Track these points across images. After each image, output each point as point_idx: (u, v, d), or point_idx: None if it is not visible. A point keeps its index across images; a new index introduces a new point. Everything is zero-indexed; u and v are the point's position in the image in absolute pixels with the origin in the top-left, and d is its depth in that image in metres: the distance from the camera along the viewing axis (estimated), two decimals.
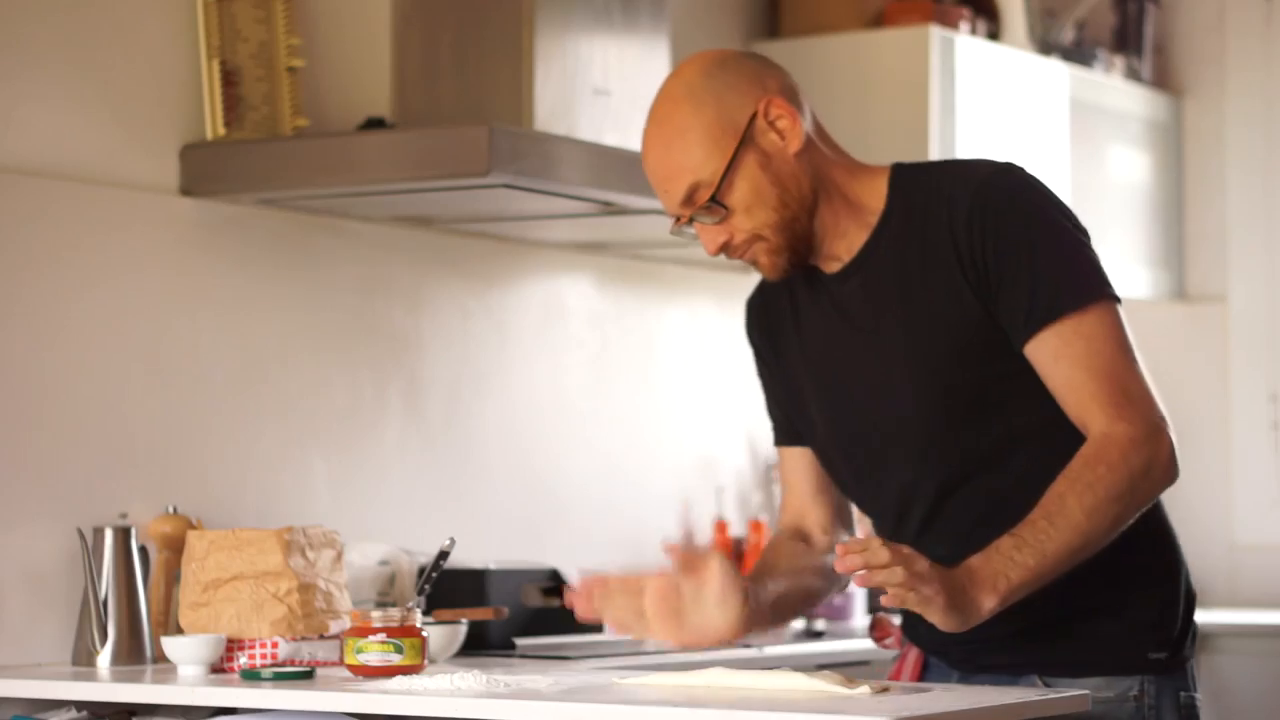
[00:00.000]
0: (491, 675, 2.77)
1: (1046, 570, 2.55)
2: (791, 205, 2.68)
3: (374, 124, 3.83)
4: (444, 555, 3.23)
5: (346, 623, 3.13)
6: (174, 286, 3.64)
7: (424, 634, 2.96)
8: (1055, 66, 5.21)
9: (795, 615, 2.88)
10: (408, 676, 2.87)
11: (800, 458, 2.91)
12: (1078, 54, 5.38)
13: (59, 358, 3.45)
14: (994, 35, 5.11)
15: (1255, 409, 5.56)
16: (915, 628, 2.82)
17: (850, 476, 2.84)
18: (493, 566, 3.79)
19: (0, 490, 3.36)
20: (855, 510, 2.93)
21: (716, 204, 2.66)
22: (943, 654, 2.79)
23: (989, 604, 2.53)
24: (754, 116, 2.66)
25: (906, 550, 2.49)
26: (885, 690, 2.55)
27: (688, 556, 2.66)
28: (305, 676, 2.97)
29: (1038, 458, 2.67)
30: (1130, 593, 2.70)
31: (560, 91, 3.86)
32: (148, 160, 3.62)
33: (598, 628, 3.94)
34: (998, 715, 2.48)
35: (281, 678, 2.95)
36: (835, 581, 2.89)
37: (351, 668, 2.93)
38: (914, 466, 2.72)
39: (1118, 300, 2.66)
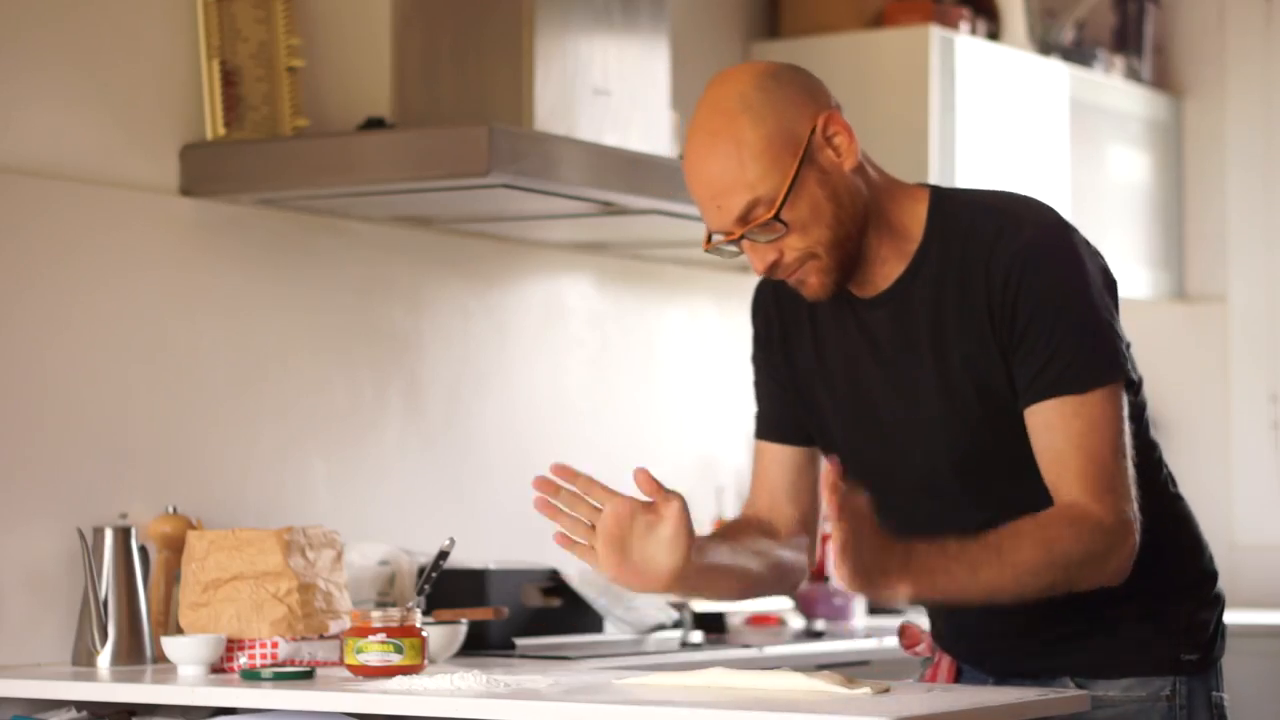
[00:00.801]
0: (491, 675, 2.77)
1: (969, 594, 2.54)
2: (846, 224, 2.62)
3: (374, 124, 3.83)
4: (444, 555, 3.23)
5: (346, 623, 3.13)
6: (174, 286, 3.64)
7: (424, 634, 2.96)
8: (1055, 66, 5.21)
9: (726, 594, 2.81)
10: (408, 676, 2.86)
11: (782, 456, 2.85)
12: (1078, 54, 5.38)
13: (59, 358, 3.45)
14: (994, 35, 5.11)
15: (1255, 409, 5.56)
16: (947, 637, 2.81)
17: (869, 486, 2.73)
18: (493, 566, 3.79)
19: (0, 490, 3.36)
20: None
21: (779, 222, 2.58)
22: (978, 663, 2.78)
23: (905, 594, 2.50)
24: (813, 131, 2.59)
25: (856, 516, 2.45)
26: (886, 690, 2.55)
27: (654, 487, 2.57)
28: (305, 676, 2.97)
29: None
30: (1165, 598, 2.70)
31: (560, 91, 3.86)
32: (148, 160, 3.62)
33: (598, 628, 3.94)
34: (998, 715, 2.48)
35: (281, 678, 2.95)
36: (782, 581, 2.83)
37: (351, 668, 2.93)
38: (932, 503, 2.69)
39: (1127, 380, 2.63)
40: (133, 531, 3.34)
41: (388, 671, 2.90)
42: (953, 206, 2.68)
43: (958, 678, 2.81)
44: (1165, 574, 2.68)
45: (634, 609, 3.91)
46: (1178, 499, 2.76)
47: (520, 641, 3.71)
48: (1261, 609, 5.35)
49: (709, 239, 2.65)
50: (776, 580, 2.81)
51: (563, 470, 2.57)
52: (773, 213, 2.57)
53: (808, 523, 2.85)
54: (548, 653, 3.60)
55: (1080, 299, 2.63)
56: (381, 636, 2.91)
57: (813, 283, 2.64)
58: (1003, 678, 2.73)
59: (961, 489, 2.68)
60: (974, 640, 2.74)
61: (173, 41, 3.66)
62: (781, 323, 2.81)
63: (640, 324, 4.62)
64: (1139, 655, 2.67)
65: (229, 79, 3.69)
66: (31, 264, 3.43)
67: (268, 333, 3.79)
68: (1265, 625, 5.08)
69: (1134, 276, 5.47)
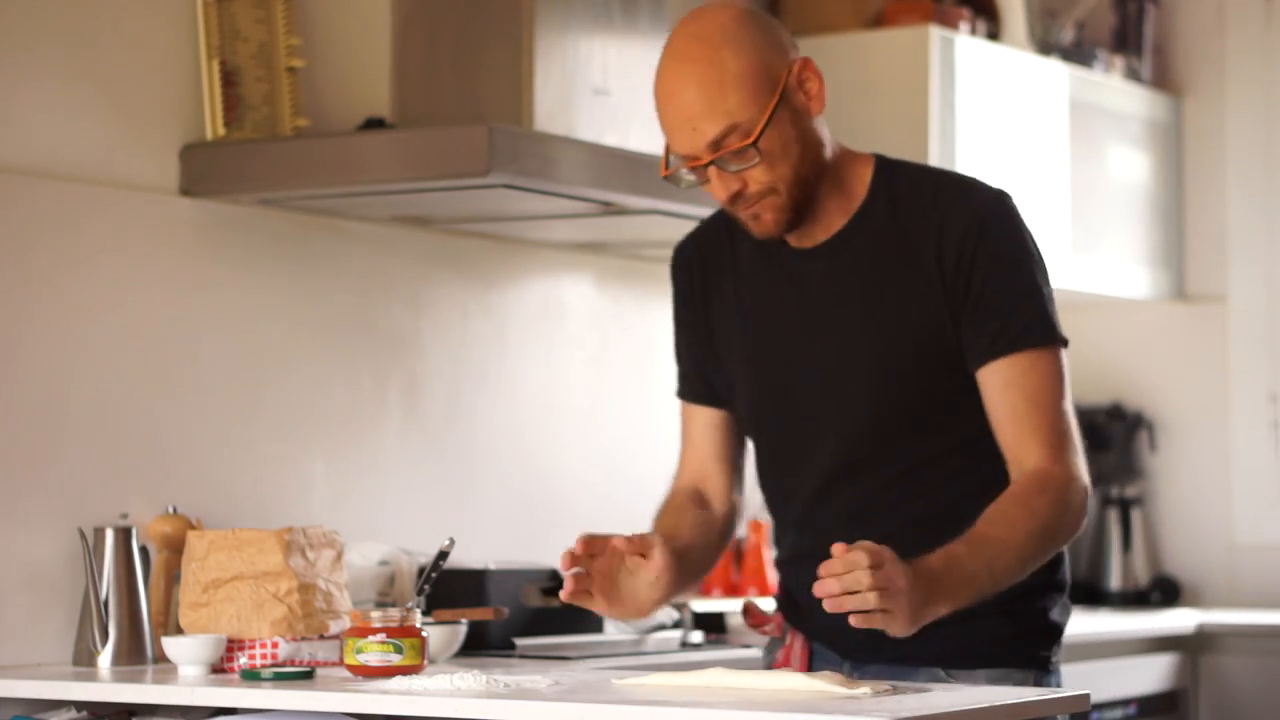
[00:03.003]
0: (491, 675, 2.77)
1: (991, 587, 2.64)
2: (809, 166, 2.72)
3: (374, 124, 3.83)
4: (444, 555, 3.23)
5: (346, 623, 3.13)
6: (174, 287, 3.64)
7: (424, 634, 2.96)
8: (1055, 66, 5.21)
9: (687, 590, 2.97)
10: (407, 677, 2.86)
11: (708, 419, 2.97)
12: (1078, 54, 5.38)
13: (59, 358, 3.45)
14: (994, 35, 5.11)
15: (1255, 409, 5.56)
16: (800, 615, 2.86)
17: (766, 450, 2.89)
18: (493, 566, 3.79)
19: (0, 490, 3.36)
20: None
21: (753, 149, 2.66)
22: (833, 644, 2.82)
23: (941, 612, 2.59)
24: (789, 72, 2.69)
25: (887, 565, 2.49)
26: (886, 690, 2.55)
27: (639, 545, 2.69)
28: (305, 677, 2.97)
29: (966, 478, 2.76)
30: (1024, 597, 2.77)
31: (560, 91, 3.86)
32: (148, 160, 3.62)
33: (598, 628, 3.94)
34: (998, 715, 2.48)
35: (281, 678, 2.95)
36: (718, 557, 2.96)
37: (351, 668, 2.93)
38: (847, 456, 2.78)
39: (1066, 345, 2.77)
40: (133, 531, 3.34)
41: (387, 672, 2.90)
42: (897, 171, 2.80)
43: (810, 660, 2.86)
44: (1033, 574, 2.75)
45: None
46: None
47: (520, 641, 3.71)
48: (1261, 609, 5.35)
49: (667, 164, 2.73)
50: (715, 559, 2.97)
51: (588, 544, 2.68)
52: (749, 140, 2.66)
53: (734, 486, 2.99)
54: (548, 653, 3.60)
55: (1032, 262, 2.76)
56: (381, 636, 2.91)
57: (767, 219, 2.73)
58: (859, 663, 2.80)
59: (872, 446, 2.77)
60: (831, 622, 2.77)
61: (173, 41, 3.66)
62: (704, 278, 2.91)
63: (640, 324, 4.62)
64: (998, 648, 2.77)
65: (229, 79, 3.69)
66: (31, 264, 3.43)
67: (268, 333, 3.79)
68: (1265, 625, 5.08)
69: (1134, 276, 5.47)
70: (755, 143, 2.65)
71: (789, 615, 2.90)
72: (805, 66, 2.71)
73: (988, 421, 2.75)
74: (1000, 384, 2.72)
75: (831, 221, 2.78)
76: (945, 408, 2.75)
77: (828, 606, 2.50)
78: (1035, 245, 2.79)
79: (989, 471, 2.75)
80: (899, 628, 2.52)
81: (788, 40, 2.74)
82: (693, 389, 3.00)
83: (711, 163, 2.68)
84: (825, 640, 2.85)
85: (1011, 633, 2.78)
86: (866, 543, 2.50)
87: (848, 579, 2.47)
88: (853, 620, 2.50)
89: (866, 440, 2.77)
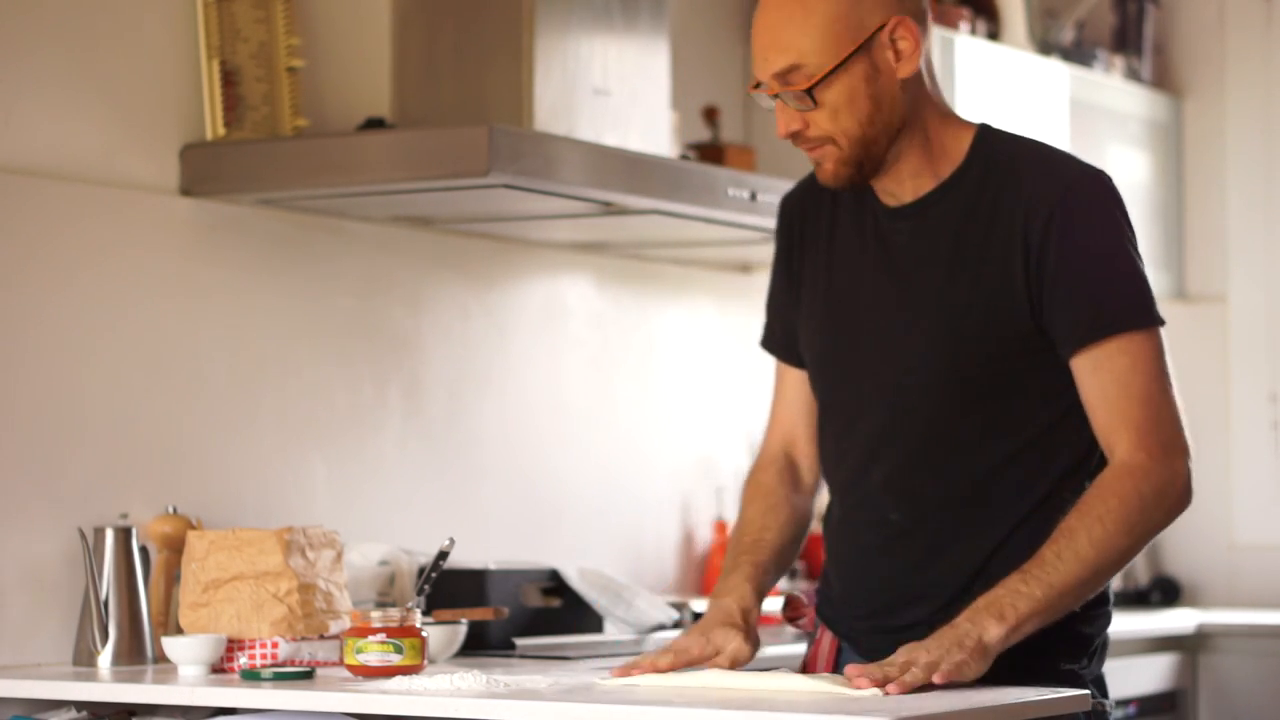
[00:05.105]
0: (491, 675, 2.77)
1: (1055, 602, 2.60)
2: (878, 126, 2.68)
3: (374, 124, 3.83)
4: (444, 555, 3.23)
5: (346, 623, 3.13)
6: (174, 287, 3.64)
7: (424, 634, 2.96)
8: (1055, 66, 5.21)
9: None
10: (407, 677, 2.86)
11: (798, 376, 2.92)
12: (1078, 54, 5.38)
13: (59, 358, 3.45)
14: (994, 35, 5.11)
15: (1255, 409, 5.56)
16: (827, 610, 2.85)
17: (825, 408, 2.85)
18: (493, 566, 3.79)
19: (0, 490, 3.36)
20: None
21: (808, 95, 2.64)
22: (853, 641, 2.82)
23: (996, 632, 2.57)
24: (881, 28, 2.65)
25: (907, 660, 2.52)
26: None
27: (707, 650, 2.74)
28: (305, 676, 2.97)
29: (1013, 467, 2.70)
30: None
31: (560, 91, 3.86)
32: (148, 160, 3.62)
33: (598, 627, 3.94)
34: (998, 715, 2.48)
35: (281, 678, 2.95)
36: (804, 535, 2.94)
37: (351, 668, 2.93)
38: (895, 423, 2.74)
39: (1163, 325, 2.71)
40: (133, 531, 3.34)
41: (387, 671, 2.90)
42: (999, 140, 2.75)
43: (838, 658, 2.84)
44: None
45: (634, 609, 3.91)
46: None
47: (520, 641, 3.71)
48: (1261, 609, 5.35)
49: (756, 84, 2.71)
50: (803, 543, 2.94)
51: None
52: (808, 85, 2.63)
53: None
54: (548, 653, 3.60)
55: (1124, 243, 2.70)
56: (381, 636, 2.91)
57: (827, 168, 2.70)
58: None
59: (921, 415, 2.71)
60: (853, 624, 2.78)
61: (173, 41, 3.66)
62: (802, 230, 2.87)
63: (640, 324, 4.62)
64: (1013, 661, 2.67)
65: (229, 79, 3.69)
66: (31, 264, 3.43)
67: (268, 333, 3.79)
68: (1265, 625, 5.07)
69: None
70: (812, 89, 2.63)
71: (821, 611, 2.89)
72: (902, 25, 2.65)
73: (1047, 413, 2.70)
74: (1090, 368, 2.66)
75: (921, 183, 2.73)
76: (1005, 388, 2.69)
77: (896, 690, 2.51)
78: (1129, 226, 2.71)
79: (1037, 462, 2.70)
80: (970, 670, 2.54)
81: None
82: (775, 342, 2.95)
83: (776, 96, 2.67)
84: (847, 638, 2.83)
85: (1032, 644, 2.69)
86: (886, 665, 2.52)
87: (904, 675, 2.51)
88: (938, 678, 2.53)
89: (916, 408, 2.72)
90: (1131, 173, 5.50)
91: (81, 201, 3.50)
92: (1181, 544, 5.61)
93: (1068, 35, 5.43)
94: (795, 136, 2.69)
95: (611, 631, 3.95)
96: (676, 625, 3.99)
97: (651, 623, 3.94)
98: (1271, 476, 5.53)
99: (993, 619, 2.57)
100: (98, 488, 3.47)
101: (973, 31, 4.96)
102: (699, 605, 4.11)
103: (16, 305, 3.40)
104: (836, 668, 2.83)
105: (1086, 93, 5.30)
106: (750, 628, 2.75)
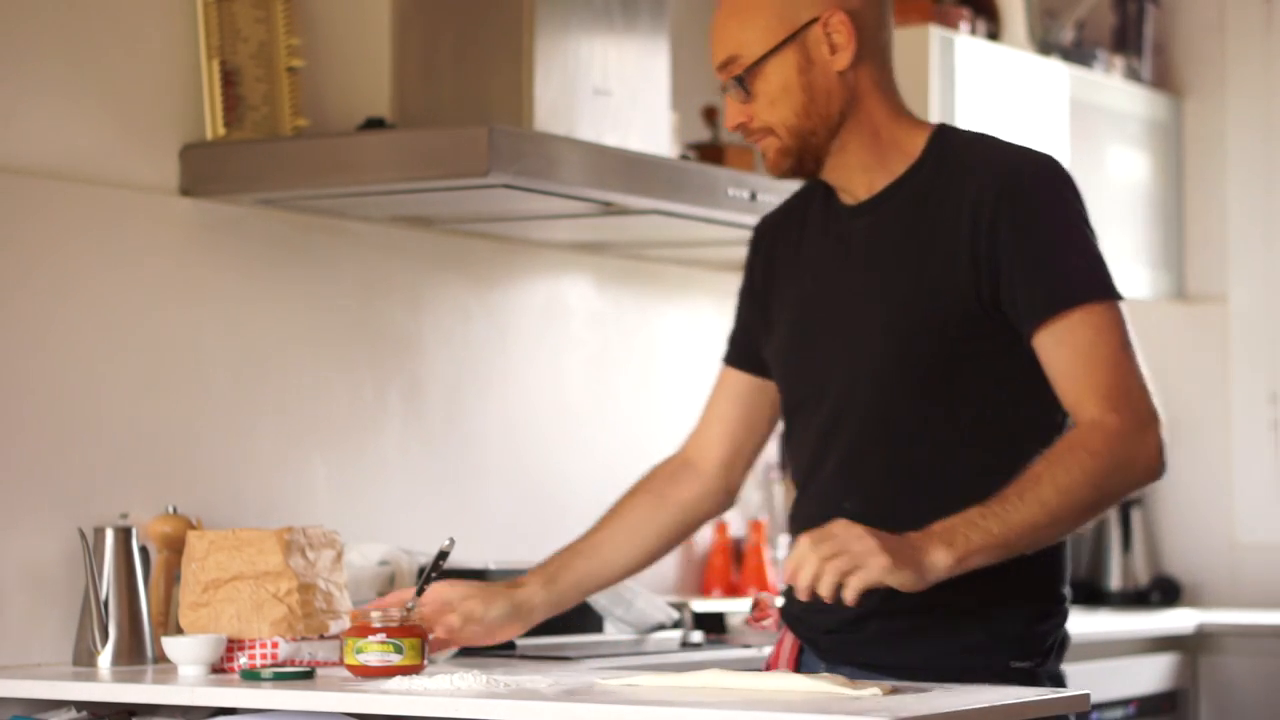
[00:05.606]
0: (491, 675, 2.77)
1: (1011, 540, 2.59)
2: (814, 117, 2.75)
3: (374, 124, 3.83)
4: (444, 555, 3.22)
5: (346, 623, 3.13)
6: (174, 287, 3.64)
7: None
8: (1055, 66, 5.21)
9: (606, 586, 3.12)
10: (407, 677, 2.86)
11: (735, 386, 3.01)
12: (1078, 54, 5.38)
13: (59, 358, 3.45)
14: (994, 35, 5.11)
15: (1255, 409, 5.56)
16: (791, 612, 2.86)
17: (791, 412, 2.89)
18: (493, 566, 3.79)
19: (0, 490, 3.36)
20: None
21: (741, 84, 2.74)
22: (812, 642, 2.83)
23: (943, 559, 2.56)
24: (814, 21, 2.73)
25: (834, 531, 2.54)
26: (888, 691, 2.54)
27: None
28: (305, 676, 2.97)
29: (966, 450, 2.71)
30: (1000, 603, 2.72)
31: (560, 91, 3.86)
32: (148, 160, 3.62)
33: (598, 627, 3.94)
34: (998, 715, 2.48)
35: (281, 678, 2.95)
36: (679, 539, 3.08)
37: (351, 668, 2.93)
38: (846, 411, 2.76)
39: (1122, 300, 2.72)
40: (133, 531, 3.34)
41: (387, 672, 2.90)
42: (954, 137, 2.81)
43: (799, 659, 2.86)
44: (1005, 579, 2.68)
45: (634, 609, 3.91)
46: None
47: (520, 641, 3.70)
48: (1261, 609, 5.35)
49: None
50: (671, 543, 3.08)
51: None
52: (740, 71, 2.74)
53: (734, 464, 3.04)
54: (548, 653, 3.60)
55: (1072, 218, 2.73)
56: (381, 637, 2.91)
57: (770, 158, 2.80)
58: (834, 664, 2.78)
59: (870, 402, 2.74)
60: (810, 626, 2.79)
61: (173, 41, 3.66)
62: (771, 246, 2.95)
63: (640, 324, 4.62)
64: (966, 659, 2.69)
65: (229, 79, 3.69)
66: (31, 264, 3.43)
67: (268, 332, 3.79)
68: (1265, 625, 5.08)
69: (1134, 276, 5.47)
70: (744, 76, 2.74)
71: (785, 611, 2.90)
72: (838, 20, 2.73)
73: (1000, 395, 2.71)
74: (1053, 343, 2.67)
75: (876, 179, 2.79)
76: (954, 371, 2.71)
77: (799, 596, 2.55)
78: (1081, 206, 2.74)
79: (996, 443, 2.71)
80: (879, 574, 2.51)
81: None
82: (733, 349, 3.03)
83: (725, 90, 2.78)
84: (807, 638, 2.84)
85: (980, 642, 2.72)
86: (819, 528, 2.55)
87: (798, 569, 2.53)
88: (826, 596, 2.52)
89: (865, 394, 2.74)
90: (1131, 173, 5.50)
91: (81, 202, 3.50)
92: (1182, 544, 5.61)
93: (1068, 35, 5.43)
94: (742, 129, 2.79)
95: (611, 631, 3.95)
96: (676, 625, 3.99)
97: (651, 623, 3.94)
98: (1272, 476, 5.53)
99: (943, 545, 2.57)
100: (98, 488, 3.47)
101: (973, 31, 4.97)
102: (699, 605, 4.11)
103: (16, 305, 3.40)
104: (798, 669, 2.84)
105: (1086, 93, 5.31)
106: (504, 594, 3.00)
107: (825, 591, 2.51)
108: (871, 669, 2.72)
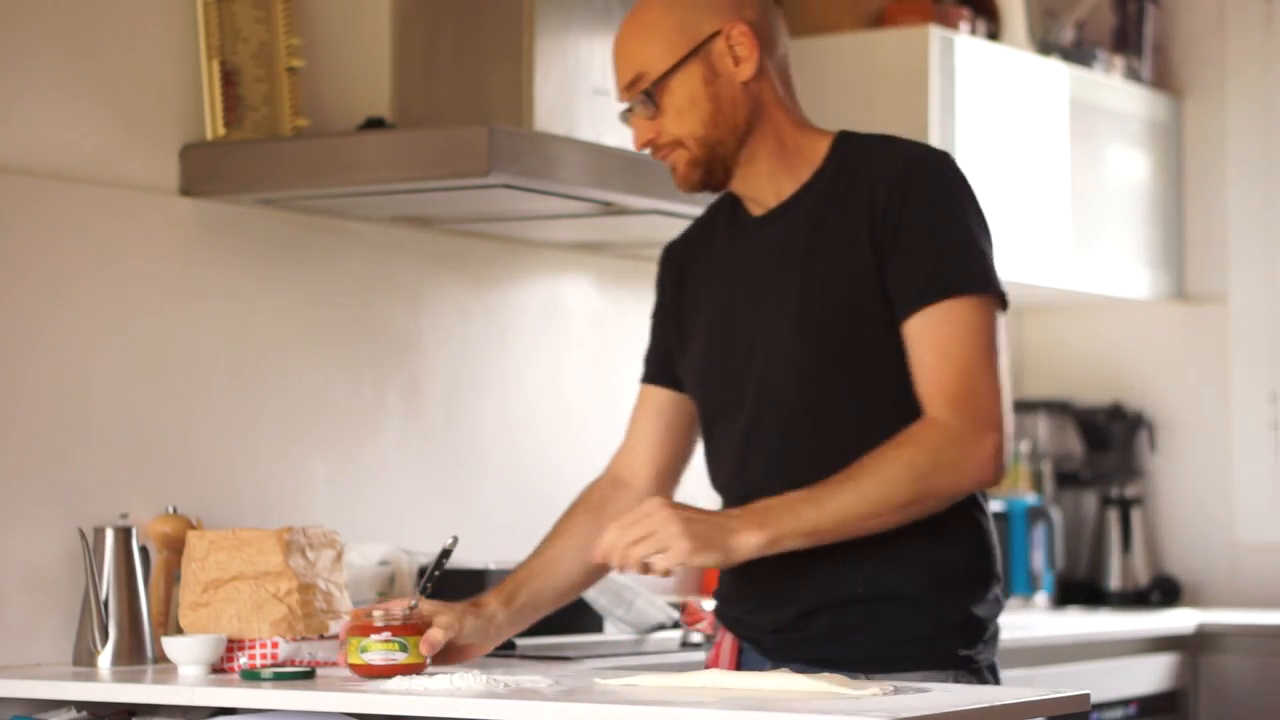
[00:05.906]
0: (491, 675, 2.77)
1: (825, 527, 2.64)
2: (722, 127, 2.79)
3: (374, 124, 3.83)
4: (447, 553, 3.22)
5: (347, 622, 3.13)
6: (174, 286, 3.64)
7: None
8: (1055, 66, 5.21)
9: (555, 607, 3.10)
10: (408, 676, 2.86)
11: (655, 402, 3.03)
12: (1078, 54, 5.38)
13: (58, 357, 3.45)
14: (994, 35, 5.11)
15: (1255, 409, 5.56)
16: (728, 614, 2.88)
17: (710, 422, 2.91)
18: (493, 566, 3.79)
19: (0, 490, 3.36)
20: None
21: (649, 98, 2.77)
22: (755, 641, 2.84)
23: (752, 540, 2.63)
24: (716, 34, 2.77)
25: (649, 511, 2.62)
26: (888, 691, 2.54)
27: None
28: (305, 676, 2.97)
29: (889, 428, 2.72)
30: (942, 590, 2.75)
31: (560, 91, 3.86)
32: (148, 160, 3.62)
33: (598, 627, 3.94)
34: (997, 715, 2.48)
35: (281, 678, 2.95)
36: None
37: (355, 667, 2.93)
38: (765, 411, 2.79)
39: (1003, 303, 2.74)
40: (133, 531, 3.34)
41: (390, 670, 2.90)
42: (856, 141, 2.84)
43: (739, 659, 2.87)
44: (945, 566, 2.74)
45: (634, 609, 3.91)
46: (973, 496, 2.78)
47: (520, 641, 3.71)
48: (1261, 609, 5.35)
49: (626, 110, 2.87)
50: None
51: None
52: (646, 87, 2.77)
53: (664, 479, 3.05)
54: (548, 653, 3.60)
55: (961, 213, 2.75)
56: (386, 635, 2.91)
57: (679, 170, 2.82)
58: (781, 662, 2.79)
59: (787, 400, 2.77)
60: (753, 624, 2.80)
61: (173, 41, 3.66)
62: (682, 265, 2.97)
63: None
64: (917, 649, 2.72)
65: (229, 79, 3.69)
66: (31, 264, 3.43)
67: (268, 332, 3.79)
68: (1265, 625, 5.08)
69: (1134, 276, 5.47)
70: (651, 90, 2.76)
71: (719, 614, 2.92)
72: (740, 32, 2.77)
73: (913, 385, 2.74)
74: (916, 335, 2.71)
75: (782, 188, 2.82)
76: (866, 363, 2.74)
77: (614, 566, 2.65)
78: (973, 201, 2.76)
79: (912, 422, 2.72)
80: (683, 556, 2.60)
81: (739, 6, 2.79)
82: (651, 367, 3.05)
83: (630, 109, 2.81)
84: (750, 639, 2.86)
85: (928, 631, 2.73)
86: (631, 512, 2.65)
87: (609, 553, 2.64)
88: (638, 571, 2.62)
89: (781, 392, 2.77)
90: (1131, 173, 5.50)
91: (81, 201, 3.50)
92: (1182, 544, 5.61)
93: (1068, 35, 5.43)
94: (650, 145, 2.81)
95: (611, 631, 3.95)
96: (676, 625, 3.99)
97: (651, 623, 3.94)
98: (1272, 476, 5.53)
99: (755, 527, 2.63)
100: (98, 488, 3.47)
101: (973, 31, 4.97)
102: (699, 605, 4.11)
103: (16, 305, 3.40)
104: (739, 669, 2.85)
105: (1086, 93, 5.30)
106: (471, 612, 2.93)
107: (631, 571, 2.63)
108: (820, 664, 2.73)
